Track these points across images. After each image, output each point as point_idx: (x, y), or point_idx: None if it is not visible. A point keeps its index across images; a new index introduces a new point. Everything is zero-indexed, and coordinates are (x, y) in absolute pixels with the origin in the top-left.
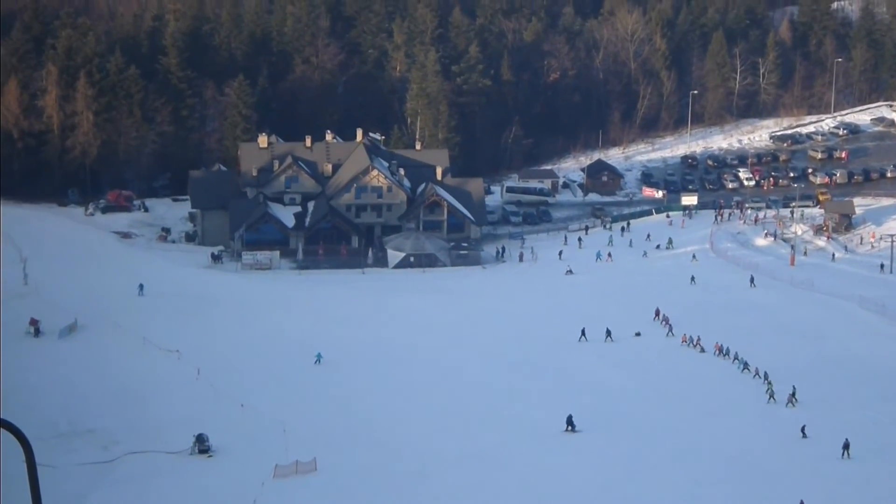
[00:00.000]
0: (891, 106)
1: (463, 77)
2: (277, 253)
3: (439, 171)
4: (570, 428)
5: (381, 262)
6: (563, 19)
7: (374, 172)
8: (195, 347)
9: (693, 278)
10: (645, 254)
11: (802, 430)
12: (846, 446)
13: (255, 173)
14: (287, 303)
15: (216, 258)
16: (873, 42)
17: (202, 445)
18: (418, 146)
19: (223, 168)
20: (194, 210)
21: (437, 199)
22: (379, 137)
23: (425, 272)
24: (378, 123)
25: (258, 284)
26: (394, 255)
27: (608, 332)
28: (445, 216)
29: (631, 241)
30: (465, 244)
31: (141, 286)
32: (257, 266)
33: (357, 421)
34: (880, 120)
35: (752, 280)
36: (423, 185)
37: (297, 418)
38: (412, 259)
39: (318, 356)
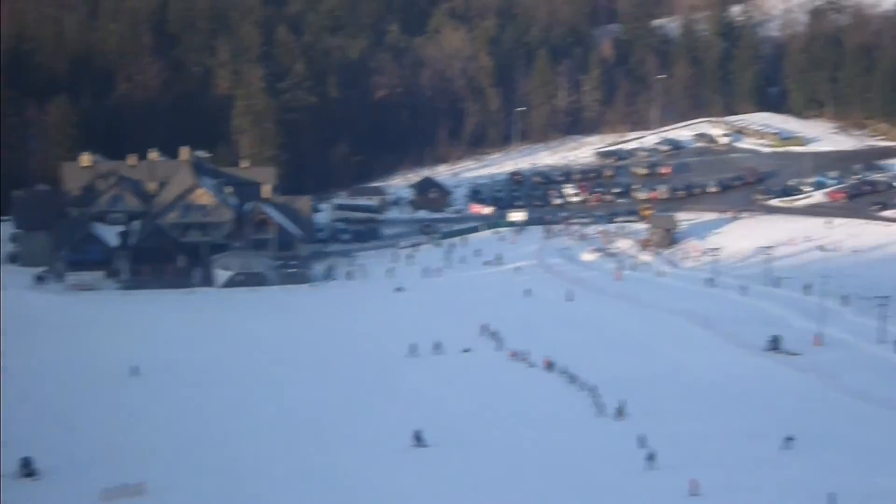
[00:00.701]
0: (712, 122)
1: (289, 94)
2: (102, 273)
3: (267, 188)
4: (417, 443)
5: (209, 281)
6: (389, 37)
7: (200, 191)
8: (20, 369)
9: (527, 291)
10: (472, 269)
11: (642, 440)
12: (651, 457)
13: (78, 193)
14: (112, 324)
15: (40, 279)
16: (694, 59)
17: (27, 469)
18: (245, 164)
19: (46, 188)
20: (17, 231)
21: (264, 218)
22: (205, 155)
23: (253, 291)
24: (204, 141)
25: (82, 306)
26: (221, 275)
27: (436, 347)
28: (273, 234)
29: (461, 257)
30: (294, 262)
31: None
32: (82, 287)
33: (187, 441)
34: (702, 136)
35: (570, 295)
36: (250, 204)
37: (126, 439)
38: (240, 278)
39: (134, 368)
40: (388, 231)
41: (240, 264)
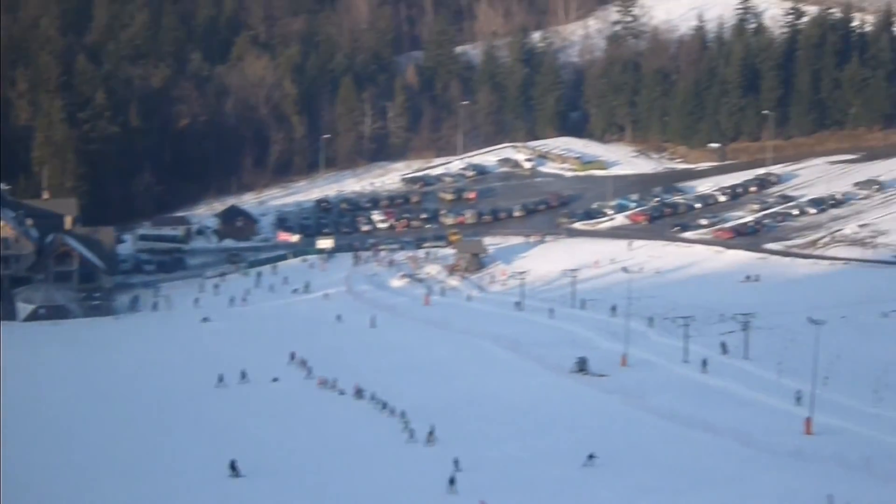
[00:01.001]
0: (516, 147)
1: (90, 124)
2: None
3: (69, 220)
4: (233, 473)
5: (11, 315)
6: (191, 65)
7: (0, 223)
8: None
9: (336, 319)
10: (280, 297)
11: (450, 465)
12: (452, 481)
13: None
14: None
15: None
16: (496, 85)
17: None
18: (46, 195)
19: None
20: None
21: (66, 250)
22: (5, 187)
23: (57, 324)
24: (3, 173)
25: None
26: (23, 308)
27: (244, 377)
28: (76, 266)
29: (269, 286)
30: (98, 294)
31: None
32: None
33: None
34: (506, 161)
35: (373, 321)
36: (51, 236)
37: None
38: (42, 311)
39: None
40: (193, 261)
41: (42, 297)
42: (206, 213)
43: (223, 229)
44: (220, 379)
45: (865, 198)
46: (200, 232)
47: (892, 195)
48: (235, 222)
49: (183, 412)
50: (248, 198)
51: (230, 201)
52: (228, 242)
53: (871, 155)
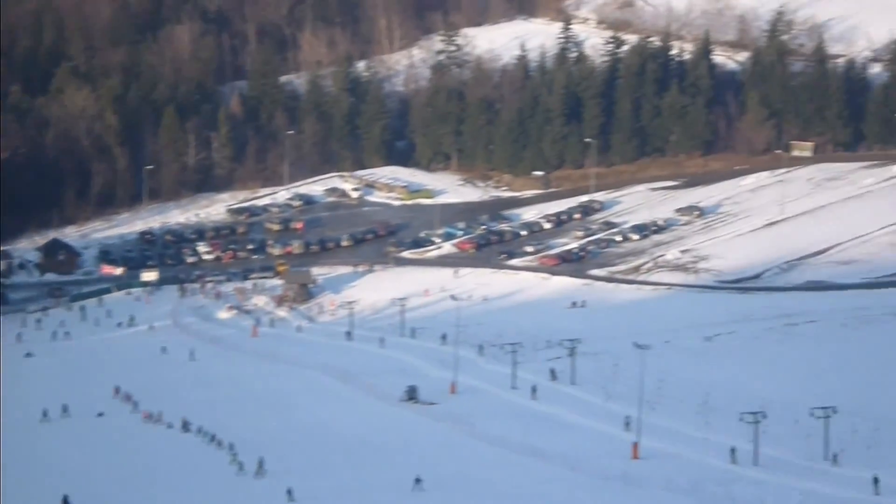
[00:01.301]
0: (343, 176)
1: None
2: None
3: None
4: None
5: None
6: (11, 97)
7: None
8: None
9: (161, 352)
10: (105, 331)
11: (289, 493)
12: None
13: None
14: None
15: None
16: (322, 114)
17: None
18: None
19: None
20: None
21: None
22: None
23: None
24: None
25: None
26: None
27: (67, 412)
28: None
29: (93, 320)
30: None
31: None
32: None
33: None
34: (333, 190)
35: (192, 353)
36: None
37: None
38: None
39: None
40: (15, 295)
41: None
42: (27, 246)
43: (45, 263)
44: (45, 414)
45: (686, 224)
46: (22, 266)
47: (712, 221)
48: (57, 256)
49: (8, 448)
50: (71, 231)
51: (52, 235)
52: (51, 276)
53: (692, 181)
